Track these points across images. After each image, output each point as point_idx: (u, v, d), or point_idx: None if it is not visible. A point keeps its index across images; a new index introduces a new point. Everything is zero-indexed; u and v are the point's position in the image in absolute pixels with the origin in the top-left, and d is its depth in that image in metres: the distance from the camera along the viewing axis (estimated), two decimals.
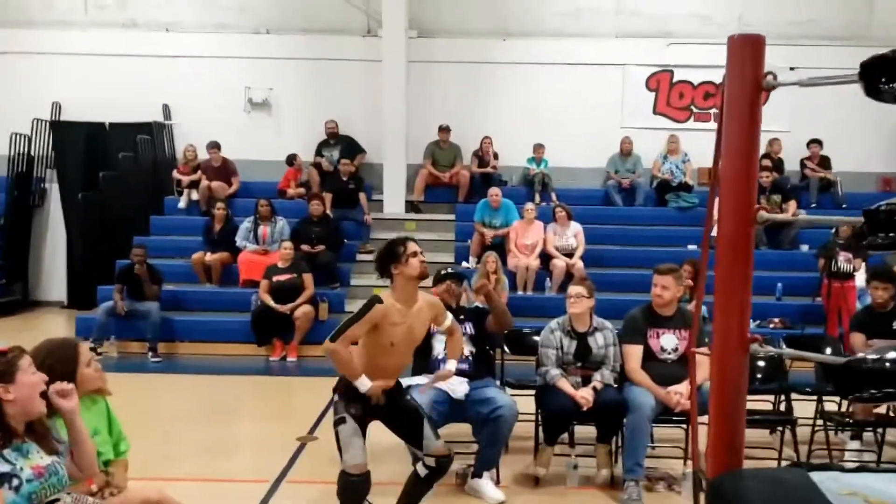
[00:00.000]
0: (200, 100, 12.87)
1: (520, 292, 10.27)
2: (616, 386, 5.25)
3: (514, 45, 12.80)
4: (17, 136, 12.42)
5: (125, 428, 3.63)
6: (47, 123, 12.82)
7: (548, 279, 10.41)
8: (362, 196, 11.79)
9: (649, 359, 5.28)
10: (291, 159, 12.26)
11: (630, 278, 10.20)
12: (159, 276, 9.67)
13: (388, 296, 4.13)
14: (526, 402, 5.46)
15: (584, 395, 5.08)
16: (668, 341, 5.32)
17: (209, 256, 10.56)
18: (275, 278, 9.57)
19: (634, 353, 5.29)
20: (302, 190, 12.06)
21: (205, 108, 12.86)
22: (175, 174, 12.27)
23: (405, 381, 5.15)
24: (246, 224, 10.72)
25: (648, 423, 5.03)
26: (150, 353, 9.29)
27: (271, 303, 9.39)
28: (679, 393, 5.07)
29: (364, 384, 4.06)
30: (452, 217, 12.02)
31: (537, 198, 11.85)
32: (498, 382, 5.56)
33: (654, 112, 12.97)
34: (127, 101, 12.61)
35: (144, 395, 7.80)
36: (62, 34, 12.78)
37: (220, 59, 12.87)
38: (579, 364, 5.29)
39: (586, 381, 5.24)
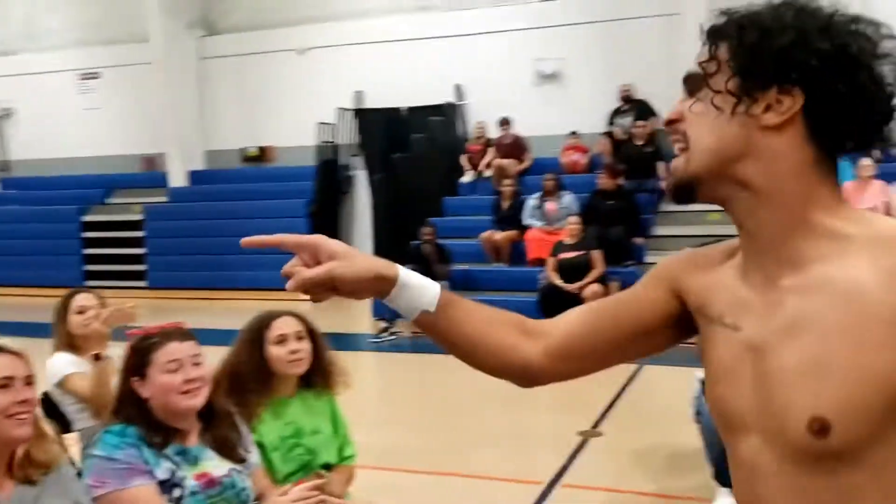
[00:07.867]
0: (490, 77, 12.57)
1: None
2: None
3: None
4: (323, 127, 13.09)
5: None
6: (350, 112, 13.36)
7: None
8: (660, 163, 10.62)
9: None
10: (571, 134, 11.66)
11: None
12: (447, 256, 9.50)
13: None
14: None
15: None
16: None
17: (498, 235, 10.25)
18: (561, 256, 8.95)
19: None
20: (583, 161, 11.44)
21: (494, 85, 12.52)
22: (464, 156, 12.16)
23: None
24: (532, 201, 10.26)
25: None
26: None
27: (558, 281, 8.81)
28: None
29: None
30: None
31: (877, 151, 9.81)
32: None
33: None
34: (423, 84, 12.70)
35: (414, 378, 7.57)
36: (361, 24, 13.18)
37: (509, 32, 12.47)
38: None
39: None
